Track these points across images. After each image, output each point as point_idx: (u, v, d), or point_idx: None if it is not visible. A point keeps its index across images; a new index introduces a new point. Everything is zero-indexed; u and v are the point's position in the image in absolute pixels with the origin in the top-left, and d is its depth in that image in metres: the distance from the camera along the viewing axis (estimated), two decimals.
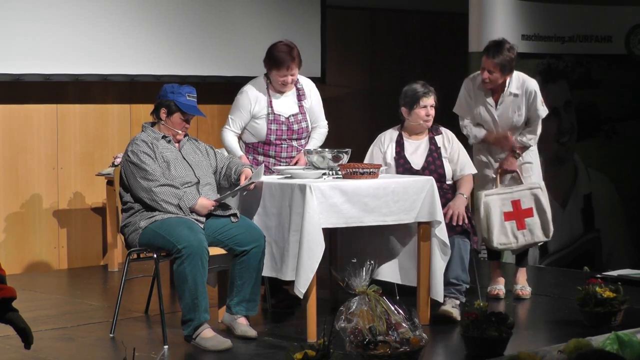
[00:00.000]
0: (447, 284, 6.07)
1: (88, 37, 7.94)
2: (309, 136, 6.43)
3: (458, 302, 6.11)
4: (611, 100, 9.41)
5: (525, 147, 6.75)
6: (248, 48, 8.67)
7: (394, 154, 6.34)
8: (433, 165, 6.33)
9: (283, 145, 6.27)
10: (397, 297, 6.20)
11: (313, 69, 9.04)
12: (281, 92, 6.29)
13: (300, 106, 6.33)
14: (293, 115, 6.28)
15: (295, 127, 6.27)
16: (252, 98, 6.24)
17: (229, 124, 6.29)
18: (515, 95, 6.67)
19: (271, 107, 6.23)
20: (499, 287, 6.77)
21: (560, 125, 9.17)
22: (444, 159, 6.36)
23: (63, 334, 5.86)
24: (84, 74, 7.96)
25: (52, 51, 7.79)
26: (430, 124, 6.37)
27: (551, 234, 6.70)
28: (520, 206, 6.61)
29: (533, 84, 6.72)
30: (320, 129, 6.47)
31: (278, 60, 6.18)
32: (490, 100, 6.72)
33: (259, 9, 8.78)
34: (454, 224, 6.13)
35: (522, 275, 6.88)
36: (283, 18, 8.91)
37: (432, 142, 6.40)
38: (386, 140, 6.40)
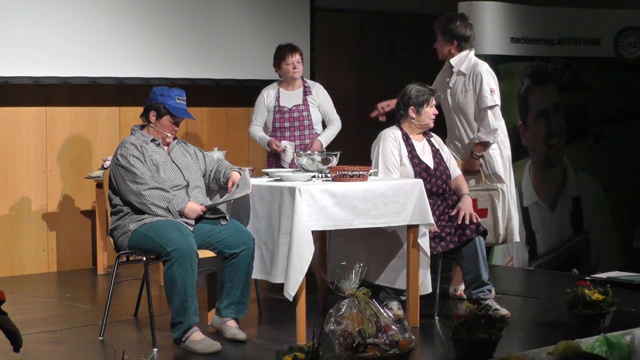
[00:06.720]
0: (482, 284, 6.17)
1: (77, 39, 7.92)
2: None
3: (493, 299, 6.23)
4: (600, 102, 9.43)
5: (483, 145, 6.72)
6: (237, 50, 8.66)
7: (407, 154, 6.25)
8: (441, 166, 6.31)
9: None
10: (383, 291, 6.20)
11: (303, 71, 9.04)
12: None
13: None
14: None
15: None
16: None
17: None
18: (463, 74, 6.73)
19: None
20: (462, 287, 6.72)
21: (549, 127, 9.18)
22: (445, 161, 6.37)
23: (52, 337, 5.85)
24: (73, 77, 7.94)
25: (41, 54, 7.76)
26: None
27: (501, 239, 6.60)
28: (475, 205, 6.57)
29: (480, 68, 6.72)
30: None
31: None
32: (446, 80, 6.83)
33: (248, 12, 8.77)
34: (467, 222, 6.12)
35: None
36: (272, 20, 8.90)
37: (430, 143, 6.39)
38: (396, 139, 6.26)
